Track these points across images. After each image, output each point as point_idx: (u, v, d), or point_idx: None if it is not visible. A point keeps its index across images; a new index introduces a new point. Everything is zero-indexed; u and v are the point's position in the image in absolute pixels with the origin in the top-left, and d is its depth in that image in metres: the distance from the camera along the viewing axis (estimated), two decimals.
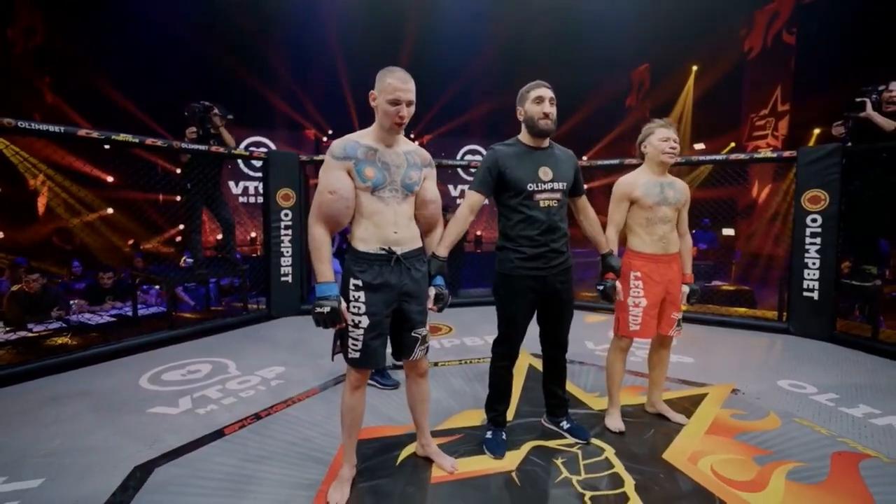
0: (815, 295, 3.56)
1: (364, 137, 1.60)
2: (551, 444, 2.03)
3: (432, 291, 1.72)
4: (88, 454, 1.92)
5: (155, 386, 2.67)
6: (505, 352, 1.95)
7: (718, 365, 3.09)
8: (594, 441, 2.05)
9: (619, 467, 1.85)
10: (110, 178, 8.06)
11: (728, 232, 8.50)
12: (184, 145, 3.40)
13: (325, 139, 12.54)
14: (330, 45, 9.65)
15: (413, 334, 1.68)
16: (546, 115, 1.80)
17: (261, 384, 2.70)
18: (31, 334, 3.46)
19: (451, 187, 13.04)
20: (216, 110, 3.70)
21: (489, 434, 1.99)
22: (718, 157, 3.92)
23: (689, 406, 2.41)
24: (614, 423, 2.16)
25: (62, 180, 7.77)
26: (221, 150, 3.63)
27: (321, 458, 1.91)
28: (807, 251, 3.59)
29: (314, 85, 10.50)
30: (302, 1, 8.94)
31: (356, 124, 12.53)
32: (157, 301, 4.73)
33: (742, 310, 4.45)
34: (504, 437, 1.99)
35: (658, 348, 2.27)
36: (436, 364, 3.05)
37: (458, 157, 13.10)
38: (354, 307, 1.58)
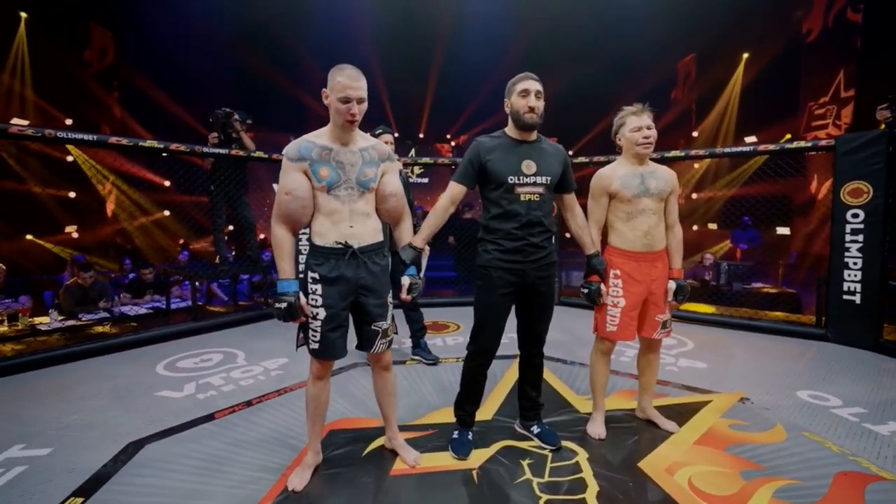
0: (857, 298, 3.21)
1: (320, 137, 1.66)
2: (524, 445, 1.99)
3: (405, 281, 1.74)
4: (95, 429, 2.13)
5: (168, 372, 2.89)
6: (478, 349, 1.91)
7: (734, 372, 2.87)
8: (567, 444, 1.98)
9: (586, 473, 1.78)
10: (167, 183, 8.79)
11: (783, 231, 7.83)
12: (206, 150, 3.66)
13: None
14: (363, 49, 9.92)
15: (373, 327, 1.71)
16: (531, 109, 1.76)
17: (262, 374, 2.84)
18: (79, 323, 3.86)
19: None
20: (236, 116, 3.94)
21: (455, 434, 1.98)
22: (745, 149, 3.62)
23: (685, 413, 2.27)
24: (595, 429, 2.07)
25: (125, 186, 8.58)
26: (241, 153, 3.86)
27: (295, 444, 1.99)
28: (847, 250, 3.24)
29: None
30: (334, 6, 9.26)
31: (393, 124, 12.85)
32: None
33: (778, 314, 4.09)
34: (471, 437, 1.97)
35: (646, 352, 2.15)
36: (438, 359, 3.07)
37: None
38: (312, 300, 1.64)
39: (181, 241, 8.47)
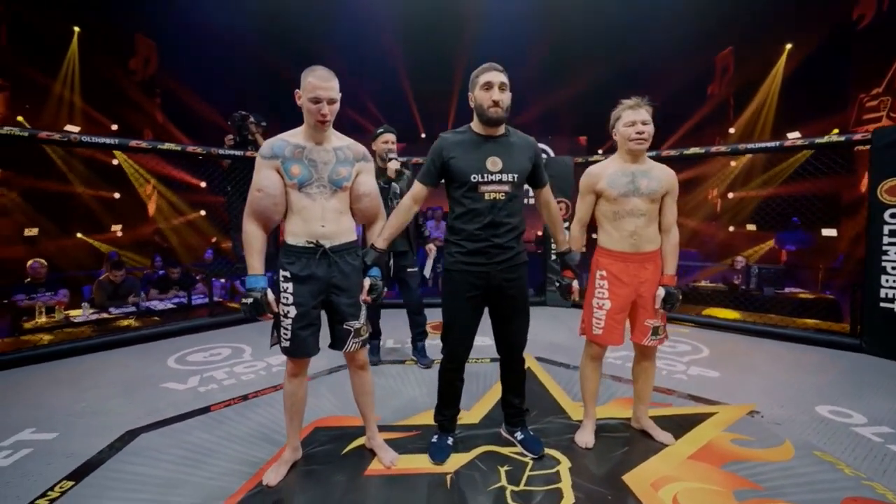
0: None
1: (295, 136, 1.67)
2: (506, 451, 1.94)
3: (366, 282, 1.73)
4: (99, 417, 2.25)
5: (178, 365, 3.02)
6: (449, 354, 1.88)
7: (749, 382, 2.68)
8: (551, 452, 1.91)
9: (565, 483, 1.71)
10: (203, 184, 9.23)
11: (828, 232, 7.29)
12: (221, 151, 3.81)
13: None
14: (388, 49, 10.02)
15: (345, 327, 1.72)
16: (496, 103, 1.67)
17: (263, 369, 2.92)
18: (107, 316, 4.10)
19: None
20: (252, 118, 4.08)
21: (435, 438, 1.94)
22: (769, 145, 3.37)
23: (685, 425, 2.14)
24: (583, 437, 1.99)
25: (163, 188, 9.08)
26: (256, 154, 3.99)
27: (280, 440, 2.02)
28: (885, 253, 2.96)
29: (375, 88, 10.97)
30: (358, 7, 9.42)
31: (420, 125, 12.93)
32: (219, 293, 5.32)
33: (809, 321, 3.80)
34: (450, 442, 1.93)
35: (639, 359, 2.04)
36: (433, 362, 3.05)
37: None
38: (284, 297, 1.66)
39: (213, 240, 8.87)
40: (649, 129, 1.82)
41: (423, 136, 13.79)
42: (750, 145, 3.49)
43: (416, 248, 3.15)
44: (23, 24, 7.66)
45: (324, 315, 1.73)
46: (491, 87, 1.67)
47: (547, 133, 12.87)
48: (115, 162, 8.70)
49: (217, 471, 1.79)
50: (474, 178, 1.70)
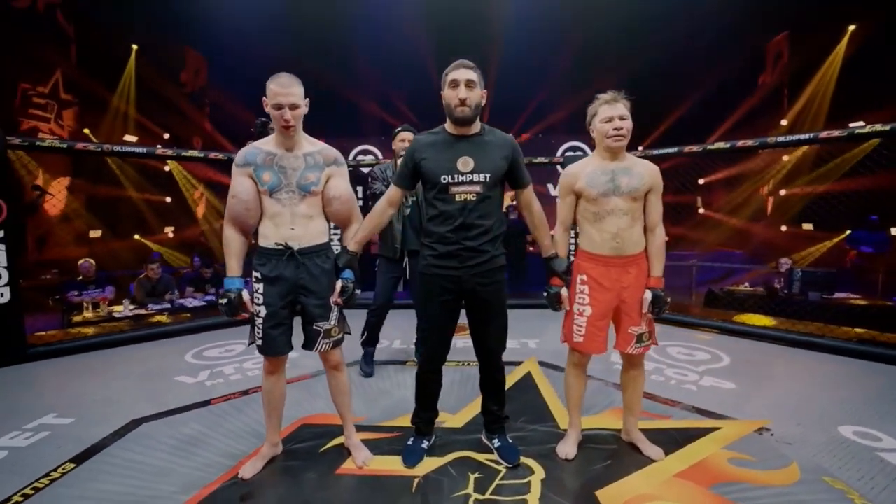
0: None
1: (267, 144, 1.73)
2: (482, 457, 1.90)
3: (338, 284, 1.76)
4: (112, 405, 2.43)
5: (194, 359, 3.21)
6: (425, 357, 1.87)
7: (767, 396, 2.47)
8: (528, 462, 1.85)
9: (533, 495, 1.65)
10: None
11: None
12: None
13: None
14: (420, 51, 10.10)
15: (314, 327, 1.75)
16: (462, 101, 1.63)
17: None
18: (144, 311, 4.44)
19: (549, 187, 12.63)
20: (272, 125, 4.26)
21: (410, 441, 1.94)
22: (802, 137, 3.07)
23: (683, 440, 2.00)
24: (564, 448, 1.91)
25: (209, 193, 9.70)
26: None
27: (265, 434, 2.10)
28: None
29: (408, 90, 11.10)
30: (385, 8, 9.59)
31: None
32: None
33: (858, 330, 3.43)
34: (425, 445, 1.92)
35: (627, 368, 1.93)
36: None
37: (559, 153, 12.62)
38: (256, 298, 1.72)
39: (252, 242, 9.35)
40: (627, 125, 1.72)
41: (525, 137, 13.87)
42: (780, 138, 3.19)
43: None
44: (89, 44, 8.43)
45: None
46: (457, 84, 1.64)
47: (581, 130, 12.49)
48: (166, 168, 9.39)
49: (202, 462, 1.89)
50: (444, 178, 1.68)
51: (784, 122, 9.01)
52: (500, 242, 1.78)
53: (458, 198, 1.68)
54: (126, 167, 8.48)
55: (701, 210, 10.76)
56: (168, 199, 9.37)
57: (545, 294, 1.85)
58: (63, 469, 1.83)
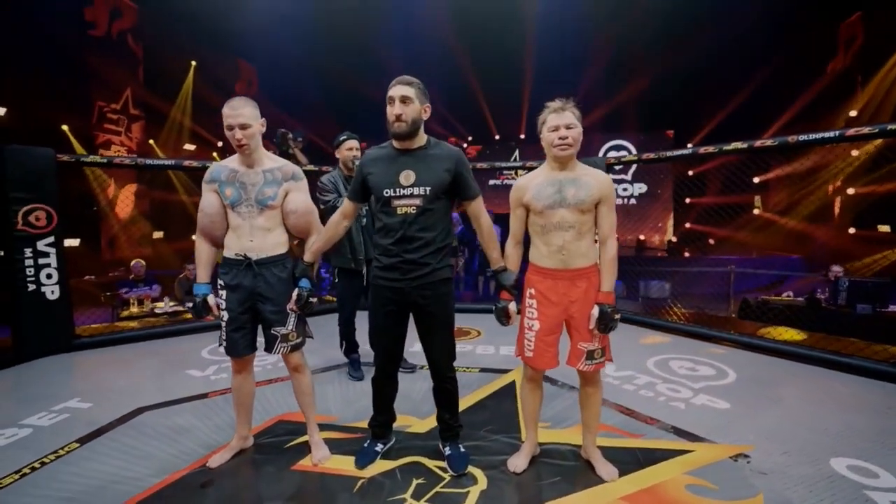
0: None
1: (232, 161, 1.88)
2: (432, 464, 1.94)
3: (294, 294, 1.88)
4: (125, 394, 2.72)
5: (208, 355, 3.49)
6: (377, 363, 1.94)
7: (761, 418, 2.28)
8: (475, 472, 1.87)
9: None
10: None
11: None
12: None
13: (465, 145, 13.27)
14: (454, 52, 10.18)
15: (272, 332, 1.88)
16: (398, 118, 1.68)
17: (270, 364, 3.24)
18: (181, 308, 4.88)
19: None
20: (290, 135, 4.54)
21: (365, 443, 2.02)
22: (827, 135, 2.77)
23: (646, 462, 1.92)
24: (514, 461, 1.90)
25: None
26: None
27: None
28: None
29: (440, 90, 11.22)
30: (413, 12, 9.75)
31: (492, 126, 12.90)
32: None
33: None
34: (378, 448, 1.99)
35: (582, 385, 1.88)
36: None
37: (601, 152, 12.18)
38: (221, 304, 1.88)
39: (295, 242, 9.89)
40: (573, 134, 1.68)
41: (497, 137, 13.74)
42: (802, 137, 2.91)
43: None
44: (155, 63, 9.33)
45: None
46: (392, 101, 1.70)
47: (619, 128, 11.97)
48: None
49: (181, 450, 2.08)
50: (387, 192, 1.74)
51: (853, 113, 8.10)
52: (446, 255, 1.81)
53: (399, 211, 1.73)
54: (180, 174, 9.26)
55: (756, 211, 9.93)
56: None
57: (493, 308, 1.85)
58: (69, 448, 2.10)
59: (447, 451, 1.94)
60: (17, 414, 2.45)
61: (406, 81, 1.71)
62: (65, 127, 7.72)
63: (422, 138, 1.78)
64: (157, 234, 9.51)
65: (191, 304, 1.88)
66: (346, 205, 1.88)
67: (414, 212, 1.72)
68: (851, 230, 8.10)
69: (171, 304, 4.98)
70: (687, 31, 9.03)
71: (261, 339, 1.95)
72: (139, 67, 9.34)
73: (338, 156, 2.83)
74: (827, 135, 2.83)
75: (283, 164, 1.90)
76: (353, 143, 2.79)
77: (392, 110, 1.69)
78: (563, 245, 1.71)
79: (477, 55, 10.46)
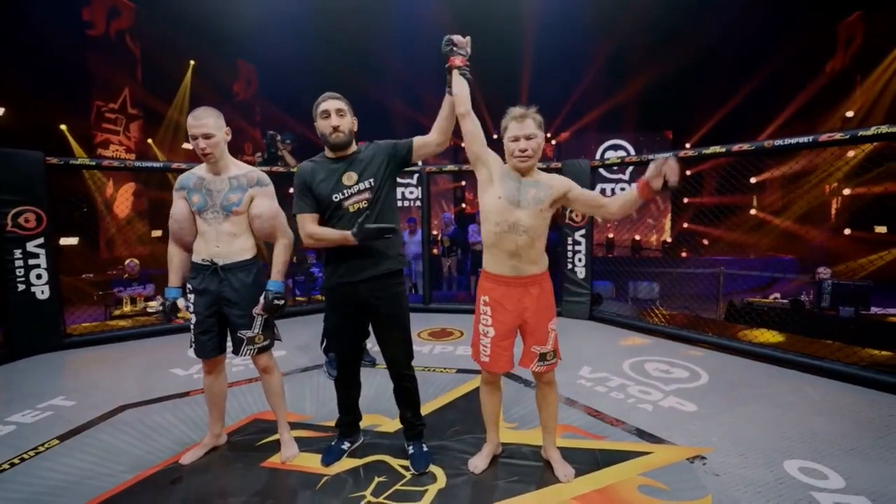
0: None
1: (200, 170, 1.94)
2: (395, 462, 1.99)
3: (262, 298, 1.93)
4: (108, 392, 2.80)
5: (193, 354, 3.55)
6: (338, 364, 2.00)
7: (725, 422, 2.32)
8: (436, 470, 1.92)
9: (424, 502, 1.72)
10: None
11: None
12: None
13: (462, 144, 13.29)
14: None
15: (238, 335, 1.94)
16: (335, 129, 1.77)
17: (248, 364, 3.30)
18: None
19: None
20: (279, 137, 4.59)
21: (333, 441, 2.07)
22: (801, 140, 2.79)
23: (604, 463, 1.96)
24: (475, 461, 1.95)
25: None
26: (282, 169, 4.49)
27: (225, 425, 2.33)
28: None
29: (441, 92, 11.23)
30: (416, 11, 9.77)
31: (490, 127, 12.90)
32: None
33: (884, 353, 3.08)
34: (345, 447, 2.05)
35: (539, 385, 1.93)
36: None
37: (598, 154, 12.17)
38: (189, 308, 1.94)
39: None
40: (532, 145, 1.72)
41: (495, 136, 13.77)
42: (777, 141, 2.94)
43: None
44: (153, 62, 9.40)
45: None
46: (328, 115, 1.77)
47: (616, 128, 11.94)
48: None
49: (156, 447, 2.15)
50: (336, 196, 1.79)
51: (850, 114, 8.06)
52: (401, 255, 1.89)
53: (351, 209, 1.79)
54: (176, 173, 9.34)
55: (753, 211, 9.91)
56: None
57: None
58: (48, 445, 2.18)
59: (410, 450, 2.00)
60: (1, 412, 2.53)
61: (336, 96, 1.81)
62: (63, 127, 7.81)
63: (353, 146, 1.86)
64: (156, 233, 9.62)
65: (161, 307, 1.95)
66: (307, 219, 1.82)
67: (366, 205, 1.79)
68: (847, 231, 8.08)
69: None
70: (685, 31, 9.00)
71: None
72: (137, 67, 9.40)
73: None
74: (802, 140, 2.85)
75: (248, 171, 1.96)
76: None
77: (329, 123, 1.77)
78: (515, 250, 1.74)
79: (475, 55, 10.42)
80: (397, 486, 1.82)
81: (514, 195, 1.73)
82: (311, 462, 2.00)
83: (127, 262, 5.43)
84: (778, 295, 5.05)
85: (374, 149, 1.87)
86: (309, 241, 1.83)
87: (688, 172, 8.78)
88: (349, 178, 1.80)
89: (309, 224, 1.82)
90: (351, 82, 10.34)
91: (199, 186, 1.89)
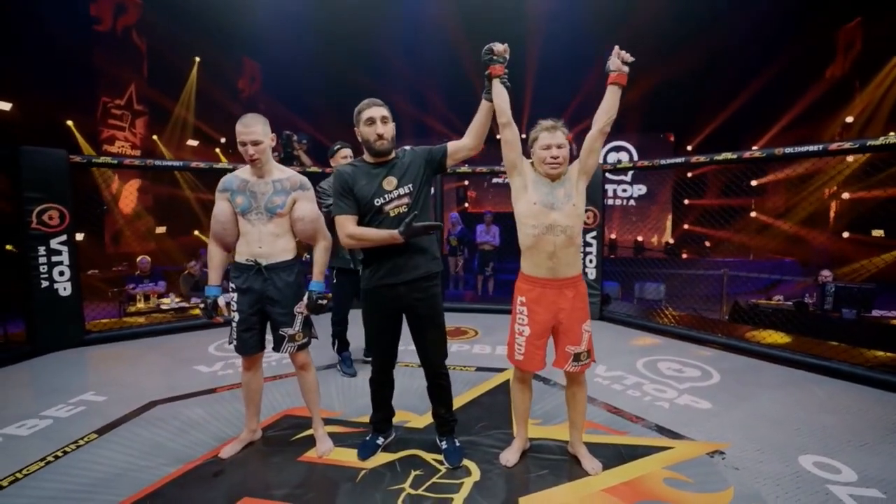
0: None
1: (244, 172, 2.00)
2: (430, 457, 2.07)
3: (305, 297, 2.01)
4: (138, 388, 2.86)
5: (215, 351, 3.63)
6: (373, 364, 2.07)
7: (739, 419, 2.42)
8: (469, 464, 2.00)
9: (460, 495, 1.80)
10: None
11: None
12: None
13: None
14: (454, 50, 10.24)
15: (280, 333, 2.01)
16: (380, 136, 1.81)
17: (276, 360, 3.37)
18: (187, 304, 5.00)
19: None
20: (295, 137, 4.65)
21: (367, 437, 2.15)
22: (811, 149, 2.89)
23: (628, 457, 2.05)
24: (506, 455, 2.03)
25: None
26: (298, 169, 4.54)
27: None
28: None
29: (449, 94, 11.26)
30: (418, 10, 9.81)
31: (494, 128, 12.97)
32: None
33: (884, 354, 3.19)
34: (380, 442, 2.12)
35: (569, 384, 2.01)
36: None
37: (601, 156, 12.26)
38: (233, 306, 2.01)
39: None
40: (563, 153, 1.81)
41: (498, 137, 13.85)
42: (788, 149, 3.03)
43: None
44: (159, 59, 9.39)
45: None
46: (373, 122, 1.82)
47: (620, 130, 12.04)
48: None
49: (193, 441, 2.22)
50: (377, 201, 1.84)
51: (850, 119, 8.21)
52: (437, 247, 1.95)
53: (392, 213, 1.84)
54: (185, 172, 9.34)
55: (753, 214, 10.05)
56: None
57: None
58: (88, 438, 2.24)
59: (443, 445, 2.08)
60: (36, 406, 2.59)
61: (381, 103, 1.85)
62: (70, 122, 7.81)
63: (392, 151, 1.90)
64: (160, 230, 9.64)
65: (198, 301, 2.01)
66: (349, 223, 1.84)
67: (406, 210, 1.85)
68: (845, 234, 8.23)
69: (177, 300, 5.10)
70: (688, 36, 9.12)
71: (270, 338, 2.07)
72: (143, 63, 9.40)
73: (333, 164, 2.93)
74: (812, 148, 2.94)
75: (291, 175, 2.02)
76: (348, 151, 2.90)
77: (374, 130, 1.81)
78: (554, 251, 1.83)
79: (479, 57, 10.51)
80: (434, 480, 1.90)
81: (547, 199, 1.82)
82: (347, 456, 2.07)
83: (139, 258, 5.46)
84: (781, 297, 5.16)
85: (412, 155, 1.92)
86: (349, 241, 1.86)
87: (689, 174, 8.93)
88: (389, 182, 1.85)
89: (350, 225, 1.85)
90: (354, 81, 10.39)
91: (244, 189, 1.96)
